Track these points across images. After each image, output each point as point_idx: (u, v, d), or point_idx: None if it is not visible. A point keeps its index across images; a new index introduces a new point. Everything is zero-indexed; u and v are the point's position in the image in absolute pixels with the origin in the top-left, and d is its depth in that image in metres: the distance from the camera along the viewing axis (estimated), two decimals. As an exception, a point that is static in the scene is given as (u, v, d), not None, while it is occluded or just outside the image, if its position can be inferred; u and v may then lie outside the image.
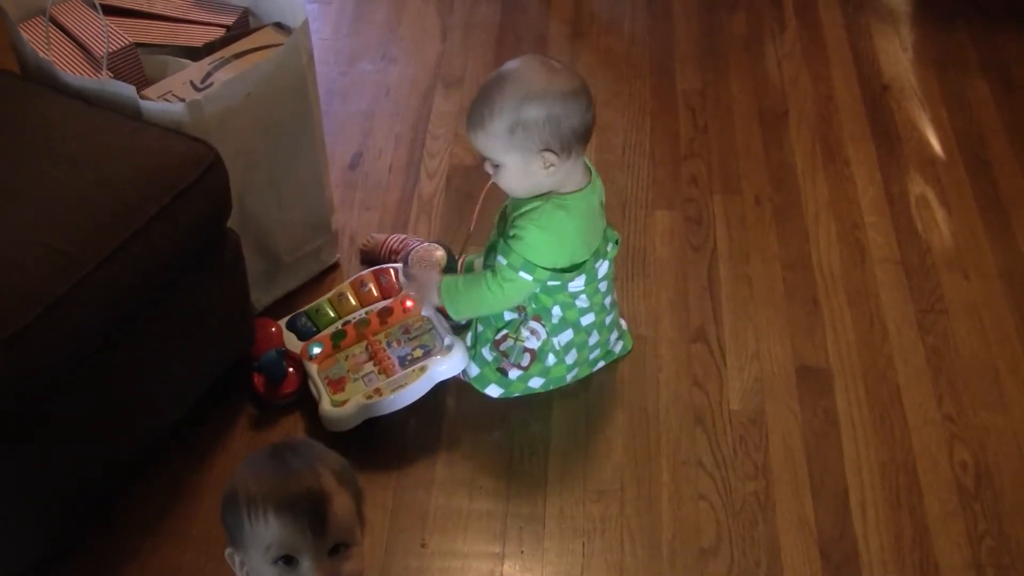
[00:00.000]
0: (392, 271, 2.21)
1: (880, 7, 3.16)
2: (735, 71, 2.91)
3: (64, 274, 1.56)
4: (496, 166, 1.83)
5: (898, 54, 2.98)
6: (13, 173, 1.69)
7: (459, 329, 2.09)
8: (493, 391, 2.06)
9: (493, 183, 1.88)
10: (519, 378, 2.04)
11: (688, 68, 2.92)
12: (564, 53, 2.95)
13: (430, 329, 2.06)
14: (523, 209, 1.87)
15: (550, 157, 1.78)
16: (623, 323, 2.19)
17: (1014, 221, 2.50)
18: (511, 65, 1.81)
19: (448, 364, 2.01)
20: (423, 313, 2.11)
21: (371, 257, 2.35)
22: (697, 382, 2.16)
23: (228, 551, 1.41)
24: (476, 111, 1.80)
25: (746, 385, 2.16)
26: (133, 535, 1.90)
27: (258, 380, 2.07)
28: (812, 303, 2.31)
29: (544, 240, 1.85)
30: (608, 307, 2.04)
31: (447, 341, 2.03)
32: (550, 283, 1.91)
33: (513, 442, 2.06)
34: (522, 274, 1.86)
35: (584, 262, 1.91)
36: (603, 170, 2.58)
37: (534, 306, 1.97)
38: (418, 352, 2.05)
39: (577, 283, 1.93)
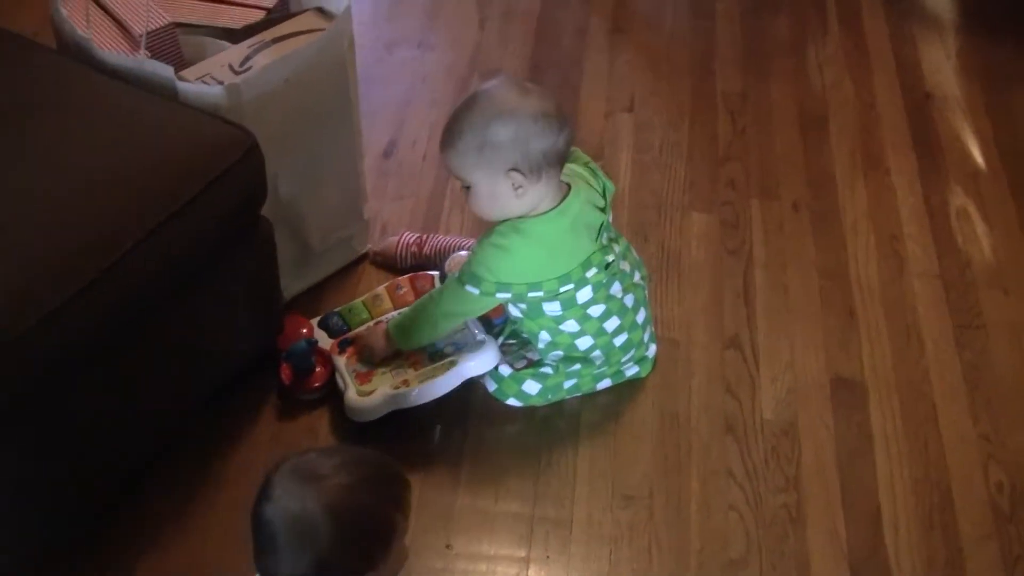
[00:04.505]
0: (430, 277, 2.19)
1: (925, 15, 3.12)
2: (776, 75, 2.87)
3: (97, 257, 1.53)
4: (467, 187, 1.82)
5: (942, 63, 2.94)
6: (49, 151, 1.66)
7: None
8: (489, 384, 2.03)
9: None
10: (511, 376, 2.01)
11: (729, 70, 2.88)
12: (603, 48, 2.91)
13: (463, 328, 2.03)
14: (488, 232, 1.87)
15: (517, 178, 1.76)
16: (651, 350, 2.13)
17: (1057, 240, 2.46)
18: (484, 86, 1.80)
19: (478, 360, 1.97)
20: None
21: (388, 261, 2.31)
22: (729, 390, 2.12)
23: None
24: (448, 130, 1.79)
25: (779, 395, 2.12)
26: (153, 525, 1.87)
27: (285, 371, 2.04)
28: (848, 314, 2.27)
29: (495, 256, 1.82)
30: (611, 331, 1.97)
31: (479, 337, 2.00)
32: (520, 304, 1.90)
33: (541, 444, 2.02)
34: (468, 287, 1.84)
35: (552, 286, 1.85)
36: (639, 170, 2.55)
37: (524, 335, 1.99)
38: (449, 348, 2.02)
39: (553, 308, 1.90)
